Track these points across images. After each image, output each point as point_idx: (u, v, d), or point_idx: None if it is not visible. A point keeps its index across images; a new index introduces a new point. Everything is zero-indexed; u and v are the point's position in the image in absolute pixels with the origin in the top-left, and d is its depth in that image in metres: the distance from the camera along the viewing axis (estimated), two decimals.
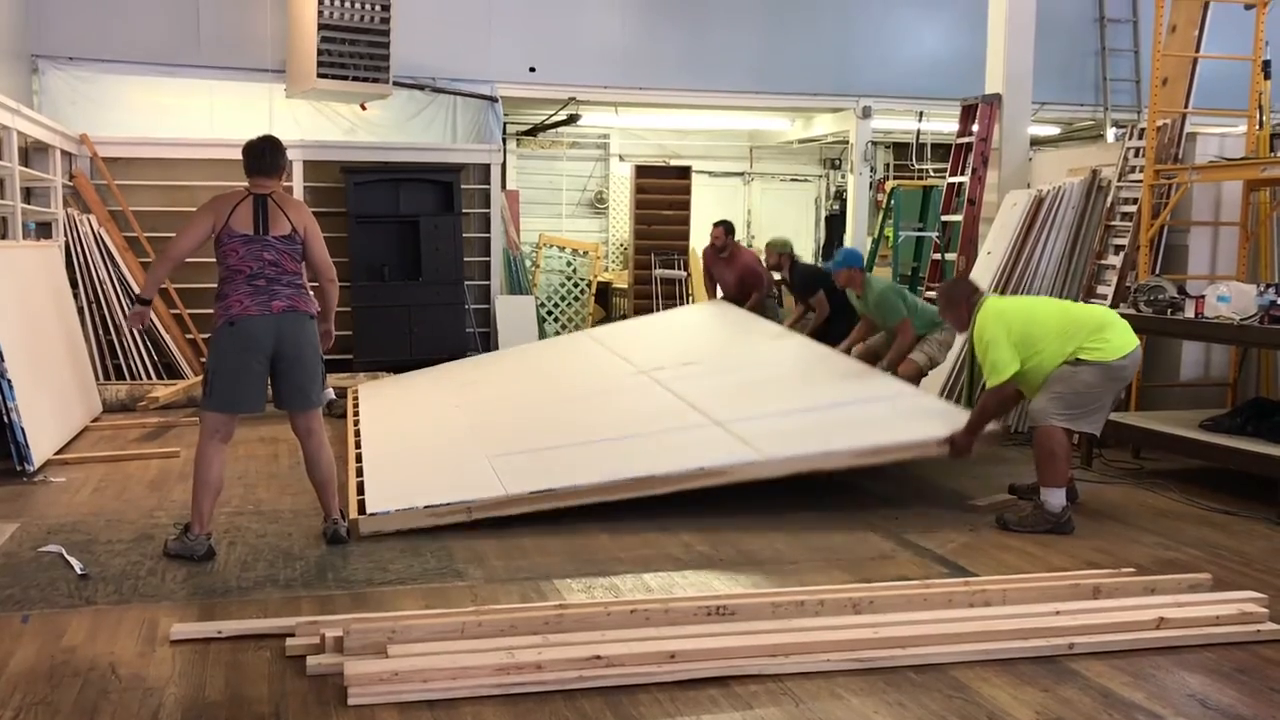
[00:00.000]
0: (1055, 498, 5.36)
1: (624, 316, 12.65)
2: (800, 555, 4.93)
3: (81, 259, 9.00)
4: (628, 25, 10.95)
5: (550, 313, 12.98)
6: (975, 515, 5.67)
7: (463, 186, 10.22)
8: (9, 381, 6.20)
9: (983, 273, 8.07)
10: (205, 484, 4.78)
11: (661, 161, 14.17)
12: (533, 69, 10.77)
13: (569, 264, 13.31)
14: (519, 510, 5.25)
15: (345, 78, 9.00)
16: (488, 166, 10.47)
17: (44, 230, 8.66)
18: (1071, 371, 5.33)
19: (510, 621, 3.72)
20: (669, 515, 5.44)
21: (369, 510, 5.24)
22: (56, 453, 6.80)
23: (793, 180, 14.84)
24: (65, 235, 8.85)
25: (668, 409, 6.43)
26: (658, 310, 11.93)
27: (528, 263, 12.83)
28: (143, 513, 5.53)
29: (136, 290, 9.11)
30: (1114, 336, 5.39)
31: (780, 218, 14.75)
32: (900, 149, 14.02)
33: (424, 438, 6.73)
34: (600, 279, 13.15)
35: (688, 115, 12.98)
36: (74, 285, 8.84)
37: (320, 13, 8.87)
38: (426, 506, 5.20)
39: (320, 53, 8.87)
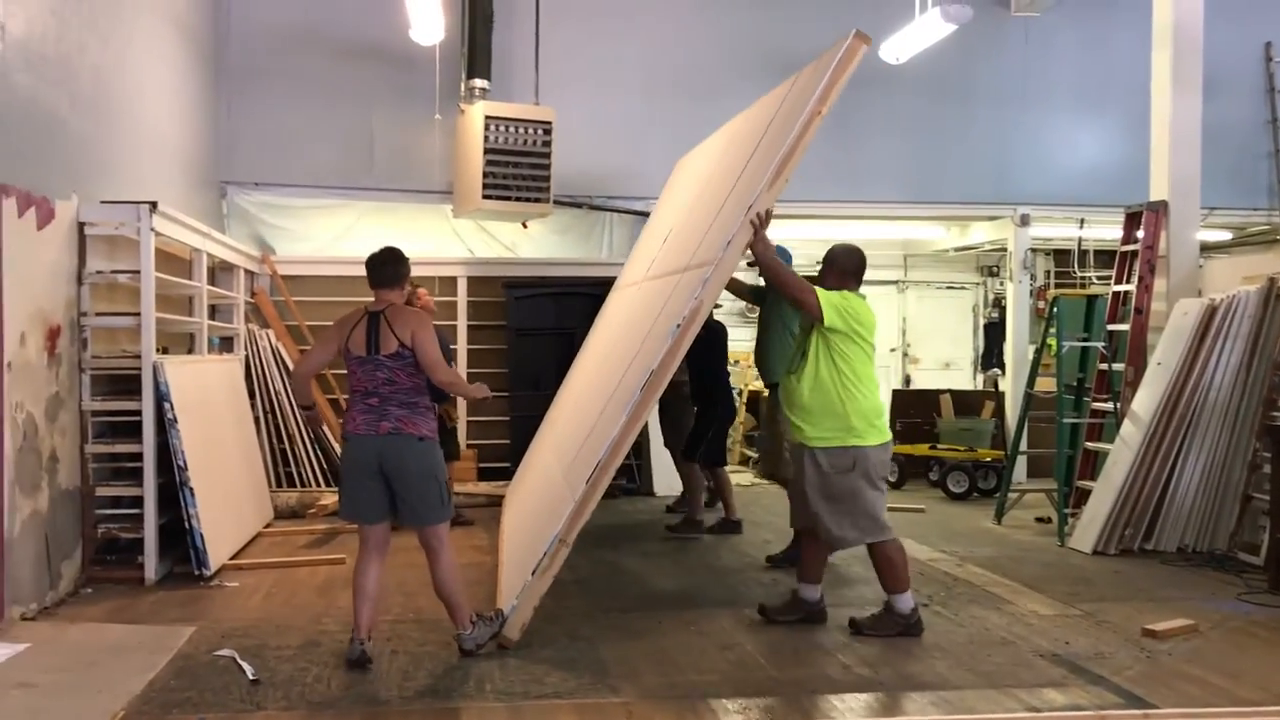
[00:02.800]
0: (902, 602, 5.39)
1: None
2: (964, 679, 4.75)
3: (259, 371, 9.49)
4: None
5: None
6: (1152, 641, 5.37)
7: None
8: (191, 490, 6.55)
9: (1154, 384, 7.78)
10: (355, 590, 4.97)
11: (813, 272, 14.19)
12: None
13: None
14: (590, 504, 5.17)
15: (509, 198, 9.37)
16: None
17: (226, 344, 9.17)
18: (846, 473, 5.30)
19: None
20: (827, 631, 5.39)
21: (504, 609, 5.26)
22: (231, 558, 7.10)
23: (948, 288, 14.65)
24: (245, 349, 9.36)
25: None
26: None
27: None
28: (310, 619, 5.71)
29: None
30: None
31: (936, 325, 14.57)
32: (1061, 255, 13.72)
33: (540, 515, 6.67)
34: (750, 388, 13.13)
35: (840, 226, 12.99)
36: (251, 396, 9.31)
37: (486, 138, 9.28)
38: (534, 572, 5.16)
39: (486, 175, 9.27)
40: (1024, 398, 8.94)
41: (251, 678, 4.69)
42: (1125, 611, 5.92)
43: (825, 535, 5.46)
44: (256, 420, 9.28)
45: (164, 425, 6.54)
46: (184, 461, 6.53)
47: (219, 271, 9.08)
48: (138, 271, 6.57)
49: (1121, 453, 7.77)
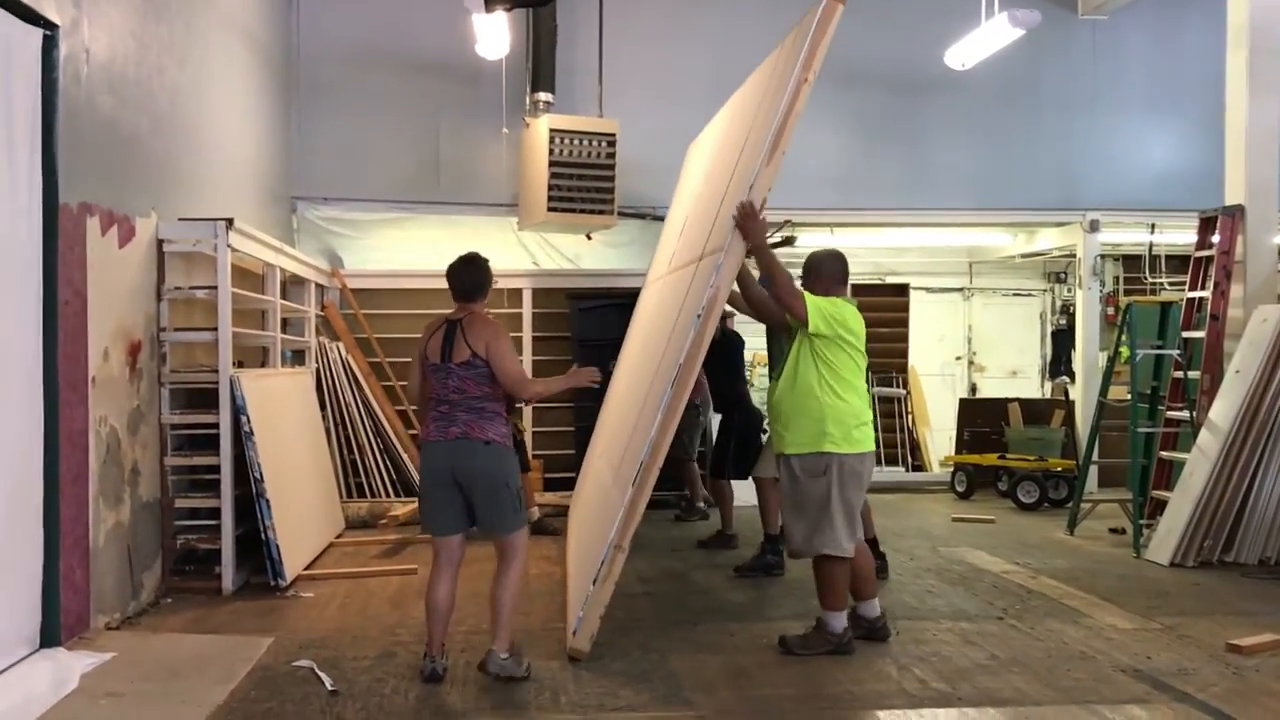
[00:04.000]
0: (835, 621, 5.28)
1: None
2: (1044, 695, 4.69)
3: (330, 383, 9.62)
4: (843, 150, 11.04)
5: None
6: (1238, 657, 5.25)
7: None
8: (267, 501, 6.66)
9: (1232, 393, 7.62)
10: (427, 606, 4.94)
11: (878, 279, 14.10)
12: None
13: None
14: (639, 506, 5.17)
15: (574, 210, 9.41)
16: None
17: (298, 357, 9.31)
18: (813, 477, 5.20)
19: None
20: (902, 645, 5.35)
21: (570, 626, 5.29)
22: (306, 568, 7.20)
23: (1015, 295, 14.44)
24: (316, 361, 9.49)
25: None
26: (877, 429, 11.77)
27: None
28: (385, 630, 5.77)
29: (378, 411, 9.70)
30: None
31: (1003, 333, 14.36)
32: (1131, 261, 13.49)
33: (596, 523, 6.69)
34: None
35: (904, 233, 12.90)
36: (322, 407, 9.45)
37: (551, 151, 9.34)
38: (594, 581, 5.17)
39: (551, 188, 9.33)
40: (1096, 406, 8.81)
41: (330, 689, 4.75)
42: (1207, 626, 5.80)
43: (788, 542, 5.40)
44: (327, 431, 9.42)
45: (240, 438, 6.66)
46: (260, 474, 6.64)
47: (290, 285, 9.23)
48: (214, 287, 6.69)
49: (1199, 462, 7.62)
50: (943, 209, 11.25)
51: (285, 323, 8.91)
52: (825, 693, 4.75)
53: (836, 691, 4.76)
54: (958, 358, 14.30)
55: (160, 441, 6.61)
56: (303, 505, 7.53)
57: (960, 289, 14.41)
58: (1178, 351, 8.44)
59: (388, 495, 9.57)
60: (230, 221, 6.68)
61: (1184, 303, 8.83)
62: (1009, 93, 11.15)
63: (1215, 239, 8.62)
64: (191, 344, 6.95)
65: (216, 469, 6.65)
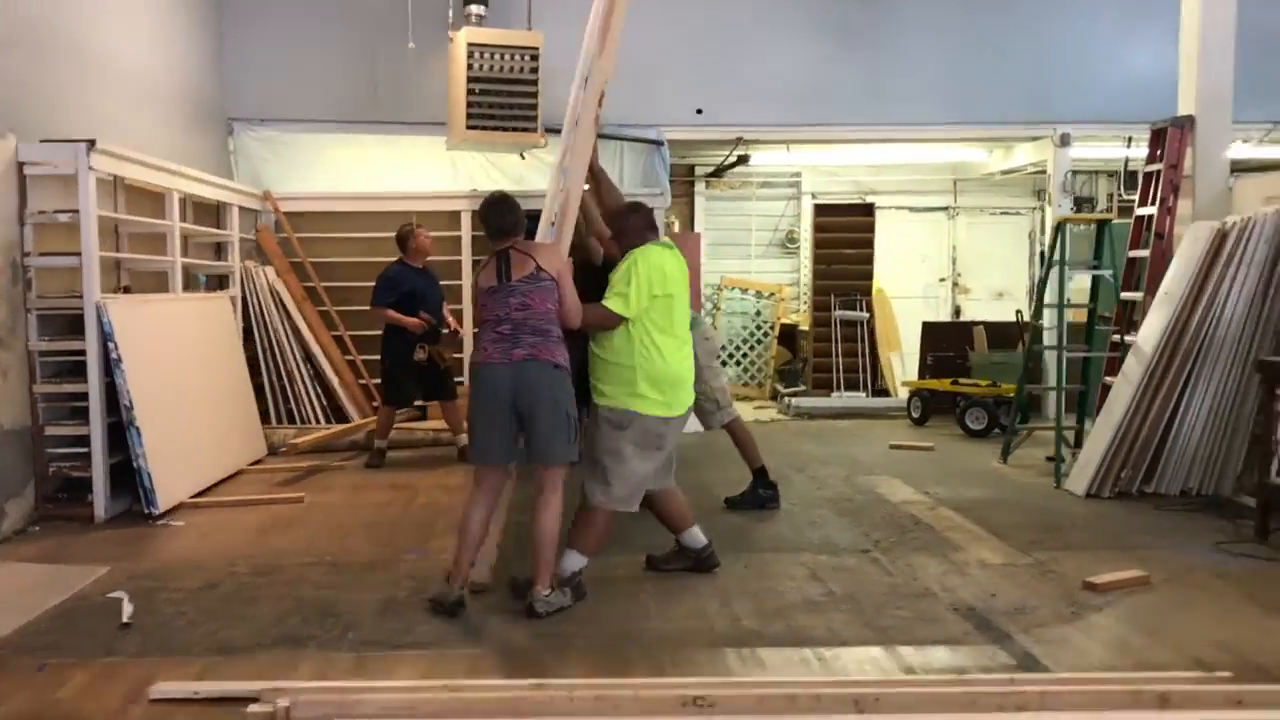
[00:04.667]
0: (575, 560, 4.99)
1: (805, 360, 12.21)
2: (855, 635, 4.45)
3: (257, 308, 9.48)
4: (800, 61, 10.57)
5: (731, 355, 12.67)
6: (1090, 594, 4.97)
7: None
8: (138, 429, 6.55)
9: (1158, 315, 7.21)
10: (460, 533, 4.81)
11: (857, 198, 13.66)
12: (699, 111, 10.59)
13: (755, 307, 12.97)
14: None
15: (496, 129, 9.11)
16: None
17: (220, 282, 9.19)
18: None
19: (467, 704, 3.49)
20: (742, 580, 5.15)
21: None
22: (198, 495, 7.11)
23: (1002, 214, 13.91)
24: (241, 287, 9.35)
25: None
26: (836, 353, 11.47)
27: (707, 304, 12.62)
28: (226, 560, 5.65)
29: (309, 337, 9.57)
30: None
31: (990, 253, 13.87)
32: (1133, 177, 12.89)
33: None
34: (786, 321, 12.74)
35: (881, 149, 12.44)
36: (249, 333, 9.34)
37: (470, 66, 9.03)
38: None
39: (470, 105, 9.03)
40: (1031, 331, 8.43)
41: (124, 622, 4.65)
42: (1082, 561, 5.51)
43: (584, 489, 5.09)
44: (254, 358, 9.32)
45: (110, 365, 6.54)
46: (130, 401, 6.53)
47: (201, 209, 9.03)
48: (77, 211, 6.53)
49: (1122, 389, 7.25)
50: (907, 124, 10.79)
51: (217, 248, 8.78)
52: (627, 628, 4.56)
53: (642, 628, 4.57)
54: (941, 280, 13.87)
55: (30, 368, 6.52)
56: (196, 432, 7.41)
57: (945, 208, 13.93)
58: (1109, 272, 8.00)
59: (318, 421, 9.47)
60: (92, 143, 6.49)
61: (1134, 221, 8.37)
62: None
63: (1162, 153, 8.12)
64: (67, 270, 6.78)
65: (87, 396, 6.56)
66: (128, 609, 4.78)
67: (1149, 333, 7.22)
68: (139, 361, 6.68)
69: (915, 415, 10.49)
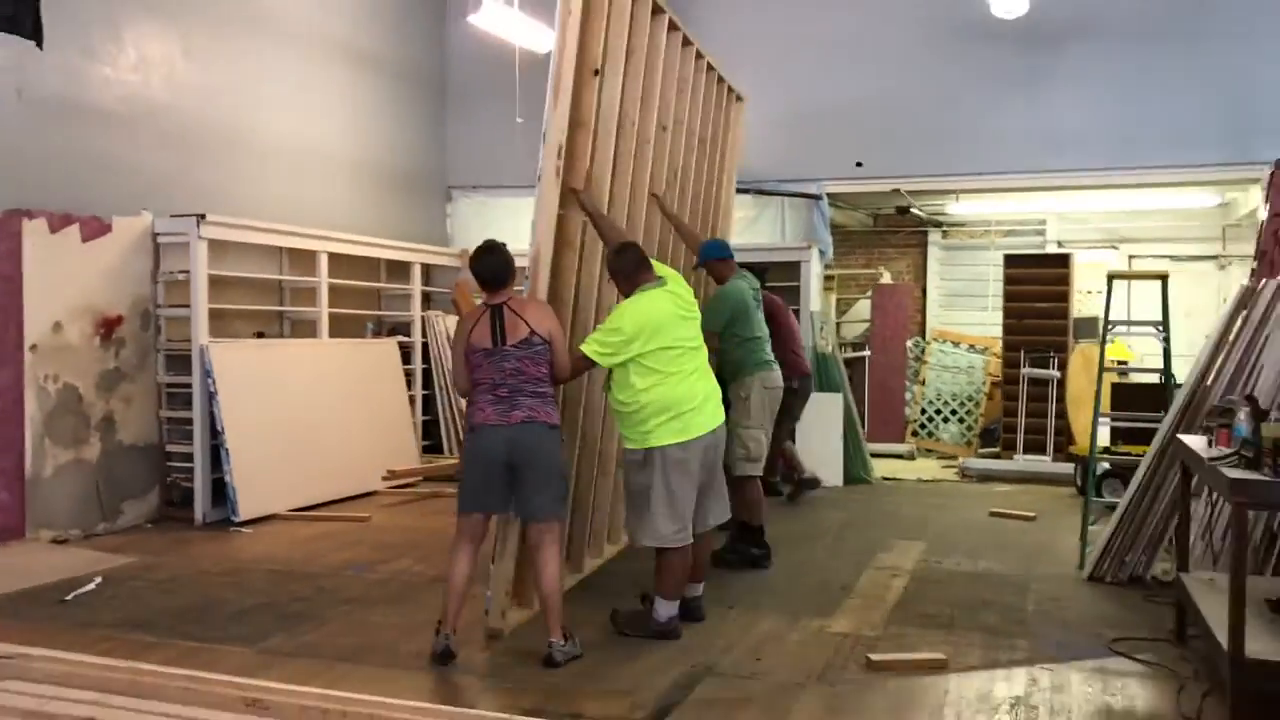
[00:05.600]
0: (662, 608, 5.21)
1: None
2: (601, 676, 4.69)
3: (437, 352, 10.83)
4: (964, 107, 10.22)
5: (939, 411, 12.22)
6: (852, 672, 4.77)
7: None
8: (227, 451, 7.98)
9: (1183, 391, 6.42)
10: (447, 582, 4.96)
11: (1109, 246, 12.72)
12: (859, 164, 10.54)
13: (967, 361, 12.41)
14: None
15: None
16: (797, 264, 10.43)
17: (403, 329, 10.68)
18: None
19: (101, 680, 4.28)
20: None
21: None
22: (296, 509, 8.42)
23: None
24: (421, 334, 10.77)
25: None
26: (1021, 413, 10.79)
27: (911, 357, 12.31)
28: (226, 562, 6.81)
29: None
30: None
31: None
32: None
33: None
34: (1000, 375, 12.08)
35: (1132, 195, 11.55)
36: (428, 373, 10.74)
37: None
38: (492, 561, 5.67)
39: None
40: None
41: (66, 598, 5.90)
42: (924, 640, 5.20)
43: (631, 535, 5.44)
44: (430, 394, 10.68)
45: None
46: (221, 427, 7.97)
47: (393, 266, 10.59)
48: (186, 271, 8.10)
49: (1144, 463, 6.51)
50: (1069, 170, 10.04)
51: (388, 299, 10.35)
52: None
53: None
54: (1206, 336, 12.40)
55: (158, 397, 8.17)
56: (303, 456, 8.69)
57: (1213, 256, 12.50)
58: (1161, 335, 7.13)
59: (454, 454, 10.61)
60: (201, 216, 8.04)
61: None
62: (1152, 30, 9.67)
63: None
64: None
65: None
66: (82, 590, 6.05)
67: (1173, 408, 6.45)
68: (235, 395, 8.10)
69: (1079, 483, 9.66)
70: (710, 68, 7.63)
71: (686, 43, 7.04)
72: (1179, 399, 6.43)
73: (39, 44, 6.90)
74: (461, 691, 4.52)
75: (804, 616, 5.63)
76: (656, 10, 6.49)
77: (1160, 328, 7.22)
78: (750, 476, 6.83)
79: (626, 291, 5.26)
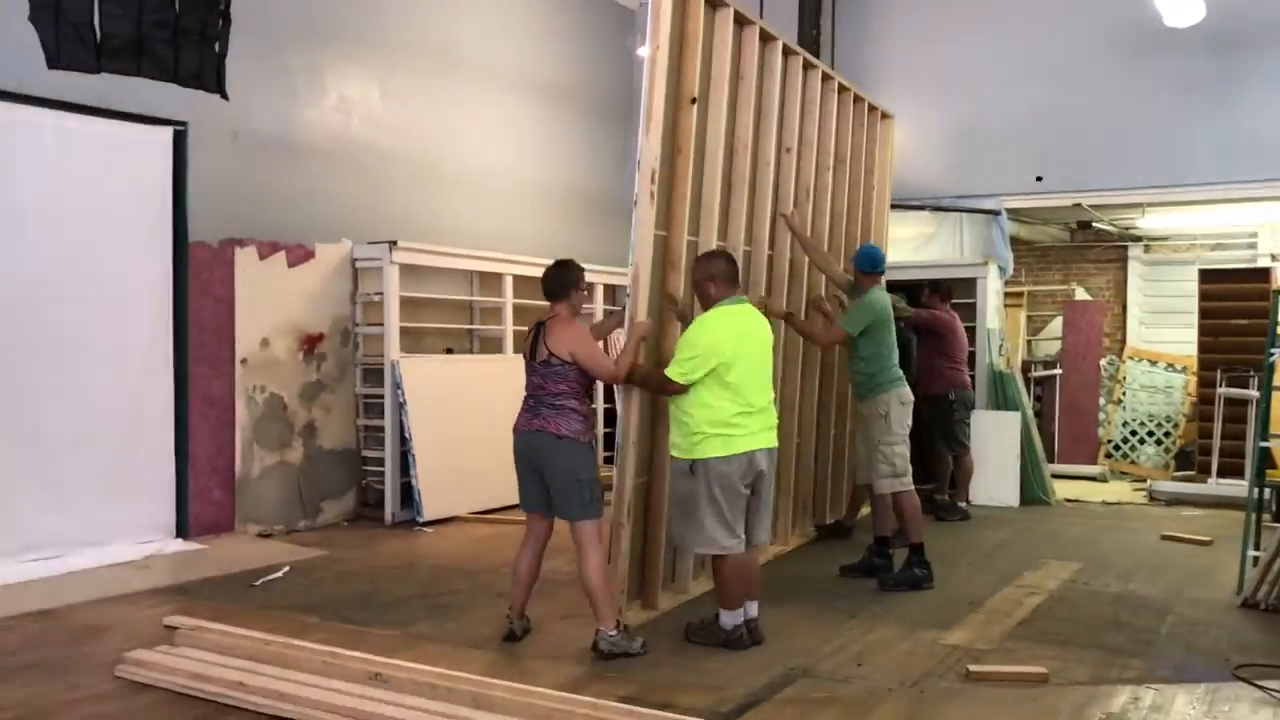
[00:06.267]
0: (727, 618, 5.37)
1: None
2: (682, 680, 5.00)
3: None
4: (1147, 118, 9.90)
5: (1134, 433, 11.76)
6: (949, 682, 4.86)
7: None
8: (413, 456, 8.69)
9: None
10: (513, 572, 5.65)
11: None
12: (1039, 178, 10.37)
13: (1165, 380, 11.88)
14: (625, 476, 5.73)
15: None
16: (974, 281, 10.34)
17: None
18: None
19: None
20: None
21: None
22: (477, 512, 9.05)
23: None
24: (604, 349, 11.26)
25: None
26: (1217, 435, 10.31)
27: (1105, 376, 11.90)
28: (403, 561, 7.43)
29: None
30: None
31: None
32: None
33: None
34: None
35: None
36: (611, 388, 11.23)
37: None
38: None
39: None
40: None
41: (254, 584, 6.67)
42: (1035, 657, 5.22)
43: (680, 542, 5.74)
44: (612, 407, 11.18)
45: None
46: (408, 435, 8.69)
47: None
48: (380, 293, 8.88)
49: None
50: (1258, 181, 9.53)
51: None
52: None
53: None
54: None
55: (355, 407, 8.99)
56: (480, 463, 9.08)
57: None
58: None
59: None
60: (393, 243, 8.81)
61: None
62: None
63: None
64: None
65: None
66: (271, 578, 6.81)
67: None
68: (422, 405, 8.80)
69: (1274, 509, 9.16)
70: (843, 88, 7.78)
71: (810, 65, 7.22)
72: None
73: (224, 96, 7.77)
74: (565, 678, 4.88)
75: (921, 628, 5.73)
76: (767, 36, 6.73)
77: None
78: (900, 492, 6.92)
79: (714, 298, 5.37)
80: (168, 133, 7.68)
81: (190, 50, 7.43)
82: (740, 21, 6.44)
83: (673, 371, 5.27)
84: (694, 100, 5.98)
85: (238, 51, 7.89)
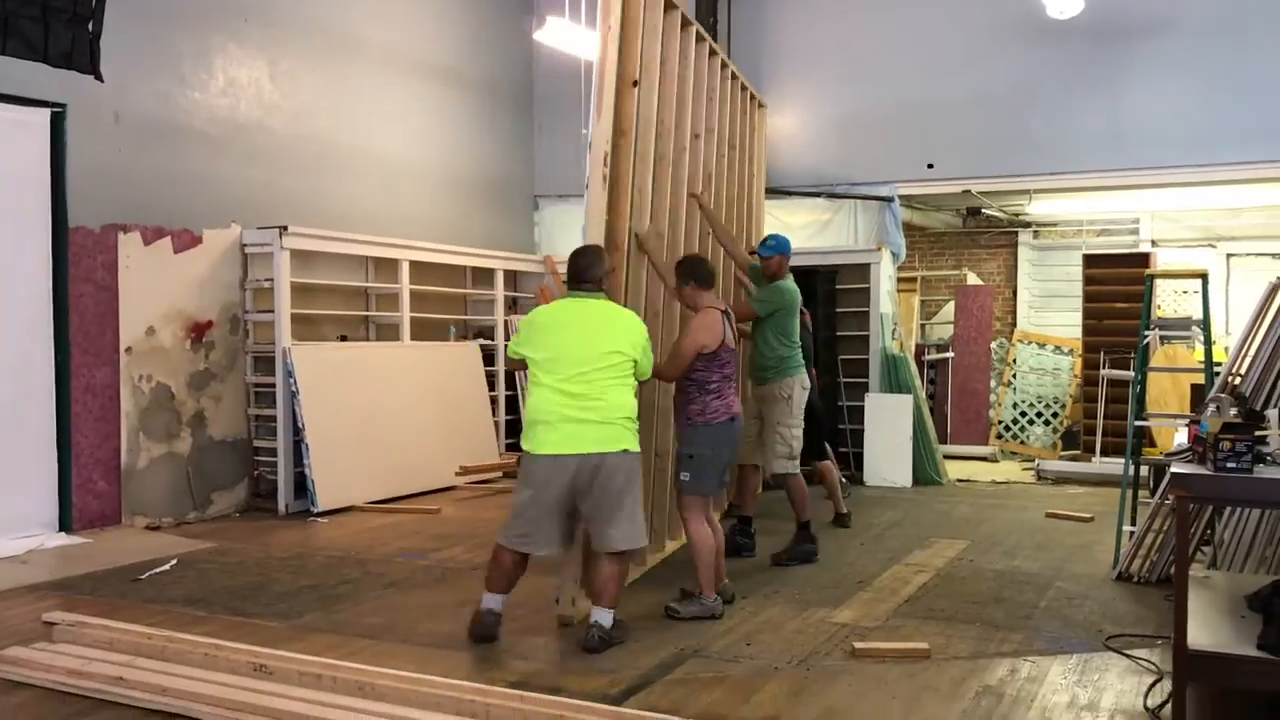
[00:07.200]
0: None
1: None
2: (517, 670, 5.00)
3: None
4: (1034, 107, 10.15)
5: (1024, 414, 12.10)
6: (830, 660, 4.96)
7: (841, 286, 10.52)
8: (307, 446, 8.55)
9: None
10: (699, 554, 5.65)
11: (1207, 245, 12.42)
12: (930, 165, 10.57)
13: (1053, 363, 12.25)
14: None
15: None
16: (868, 267, 10.53)
17: (487, 332, 11.18)
18: None
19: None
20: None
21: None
22: (375, 501, 8.94)
23: None
24: (505, 338, 11.23)
25: None
26: (1101, 415, 10.66)
27: (995, 358, 12.22)
28: (290, 552, 7.32)
29: None
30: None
31: None
32: None
33: None
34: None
35: (1228, 192, 11.28)
36: (514, 376, 11.22)
37: None
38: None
39: None
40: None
41: (138, 578, 6.50)
42: (920, 632, 5.35)
43: None
44: (514, 394, 11.15)
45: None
46: (301, 424, 8.55)
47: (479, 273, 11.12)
48: (270, 279, 8.71)
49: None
50: (1151, 168, 9.86)
51: (474, 304, 10.87)
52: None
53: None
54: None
55: (246, 395, 8.81)
56: (382, 452, 9.19)
57: None
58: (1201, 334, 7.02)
59: None
60: (284, 228, 8.64)
61: None
62: (1245, 22, 9.44)
63: None
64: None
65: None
66: (157, 571, 6.65)
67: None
68: (315, 394, 8.67)
69: (1153, 486, 9.51)
70: (735, 76, 7.85)
71: (713, 53, 7.28)
72: (1207, 398, 6.35)
73: (98, 78, 7.49)
74: (456, 665, 4.86)
75: (811, 607, 5.83)
76: (685, 23, 6.78)
77: (1198, 327, 7.04)
78: (792, 474, 7.04)
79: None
80: (45, 114, 7.44)
81: (61, 29, 7.16)
82: (667, 7, 6.46)
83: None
84: (635, 82, 5.97)
85: (120, 31, 7.64)
